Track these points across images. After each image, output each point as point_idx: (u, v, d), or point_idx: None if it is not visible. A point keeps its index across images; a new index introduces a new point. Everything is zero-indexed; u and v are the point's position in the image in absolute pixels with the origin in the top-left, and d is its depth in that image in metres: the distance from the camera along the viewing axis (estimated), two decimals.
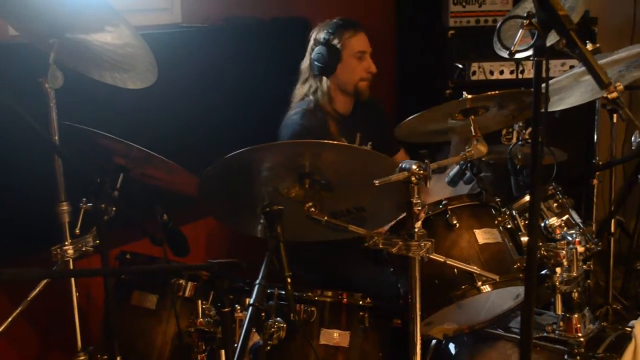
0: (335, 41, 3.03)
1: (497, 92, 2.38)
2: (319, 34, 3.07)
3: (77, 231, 2.39)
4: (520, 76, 3.86)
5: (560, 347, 2.40)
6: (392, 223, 2.43)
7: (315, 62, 3.05)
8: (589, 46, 2.79)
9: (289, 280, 1.98)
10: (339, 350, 2.48)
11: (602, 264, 3.32)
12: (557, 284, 2.36)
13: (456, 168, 2.61)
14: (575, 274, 2.37)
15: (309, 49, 3.11)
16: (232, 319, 2.02)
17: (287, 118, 3.08)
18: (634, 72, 2.62)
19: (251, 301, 1.87)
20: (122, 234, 2.72)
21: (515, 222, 2.51)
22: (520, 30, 1.70)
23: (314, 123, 3.03)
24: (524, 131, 2.97)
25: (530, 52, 1.72)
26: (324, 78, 3.08)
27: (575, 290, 2.40)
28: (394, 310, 2.56)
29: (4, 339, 2.59)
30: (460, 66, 3.91)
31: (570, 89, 2.77)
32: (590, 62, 1.67)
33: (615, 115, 3.24)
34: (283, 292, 2.42)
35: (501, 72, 3.89)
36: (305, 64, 3.13)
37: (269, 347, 2.24)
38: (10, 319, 2.41)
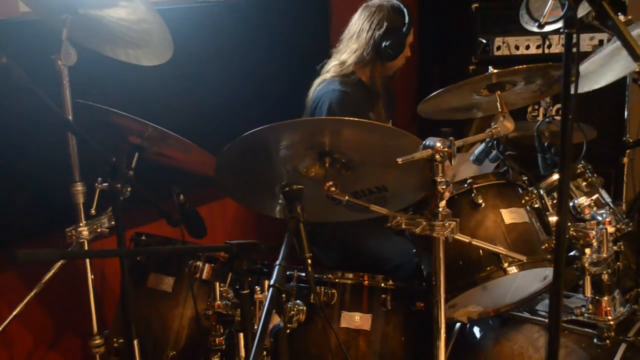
0: (409, 32, 3.03)
1: (524, 66, 2.30)
2: (395, 18, 3.01)
3: (93, 212, 2.35)
4: (547, 51, 3.75)
5: (590, 330, 2.38)
6: None
7: (389, 50, 3.00)
8: (621, 18, 2.68)
9: (309, 261, 1.94)
10: (361, 333, 2.44)
11: (632, 245, 3.23)
12: (587, 265, 2.32)
13: (482, 146, 2.56)
14: (605, 255, 2.33)
15: (373, 24, 3.01)
16: (251, 301, 1.97)
17: (323, 87, 3.04)
18: None
19: (271, 282, 1.81)
20: (136, 215, 2.69)
21: (543, 201, 2.45)
22: (550, 1, 1.63)
23: (356, 96, 3.01)
24: (550, 108, 2.90)
25: (559, 24, 1.65)
26: (384, 61, 3.05)
27: (605, 272, 2.37)
28: (416, 293, 2.51)
29: (18, 322, 2.57)
30: (484, 41, 3.81)
31: (602, 67, 2.68)
32: (623, 35, 1.63)
33: None
34: (302, 275, 2.38)
35: (527, 47, 3.79)
36: (364, 39, 3.03)
37: (288, 331, 2.19)
38: (25, 302, 2.37)
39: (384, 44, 3.00)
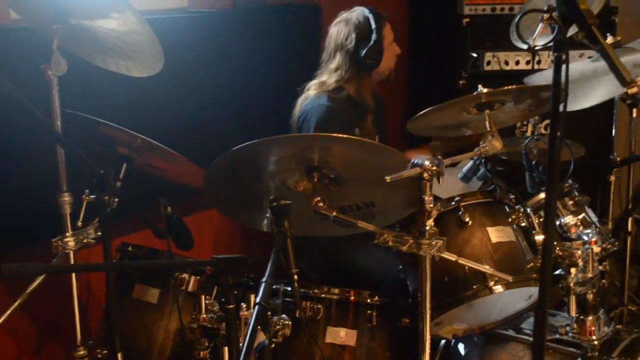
0: (379, 35, 2.96)
1: (514, 86, 2.32)
2: (361, 27, 2.97)
3: (79, 224, 2.34)
4: (536, 67, 3.77)
5: (574, 350, 2.38)
6: None
7: (367, 60, 2.96)
8: (610, 39, 2.70)
9: (295, 277, 1.93)
10: (346, 349, 2.43)
11: (617, 263, 3.24)
12: (572, 285, 2.32)
13: (469, 164, 2.56)
14: (590, 275, 2.34)
15: (344, 40, 2.98)
16: (237, 316, 1.96)
17: (311, 102, 3.01)
18: None
19: (257, 300, 1.81)
20: (123, 225, 2.67)
21: (530, 220, 2.45)
22: (540, 25, 1.64)
23: (343, 111, 2.98)
24: (539, 125, 2.91)
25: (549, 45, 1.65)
26: (369, 71, 3.02)
27: (590, 292, 2.36)
28: (402, 309, 2.50)
29: (2, 332, 2.56)
30: (475, 55, 3.82)
31: (589, 85, 2.69)
32: (611, 59, 1.62)
33: (634, 110, 3.13)
34: (289, 289, 2.37)
35: (517, 63, 3.80)
36: (341, 57, 3.00)
37: (273, 345, 2.19)
38: (8, 312, 2.37)
39: (360, 55, 2.96)
